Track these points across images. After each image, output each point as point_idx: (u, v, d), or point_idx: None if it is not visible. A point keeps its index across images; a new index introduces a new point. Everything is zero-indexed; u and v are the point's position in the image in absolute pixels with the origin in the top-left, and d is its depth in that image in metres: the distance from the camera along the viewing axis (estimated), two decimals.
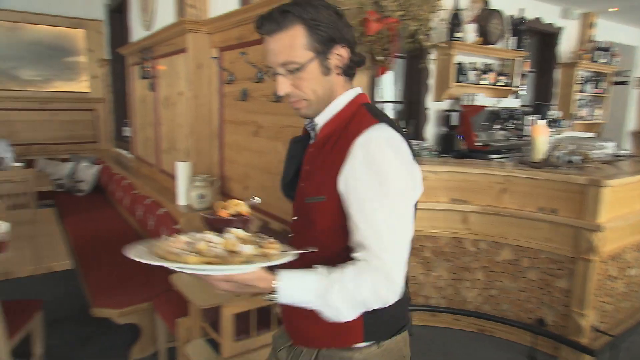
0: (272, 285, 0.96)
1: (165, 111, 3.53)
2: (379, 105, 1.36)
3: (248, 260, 0.91)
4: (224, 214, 1.05)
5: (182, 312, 2.30)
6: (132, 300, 2.59)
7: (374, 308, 0.99)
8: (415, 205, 1.07)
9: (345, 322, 1.00)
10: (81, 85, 5.82)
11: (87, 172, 5.17)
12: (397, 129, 1.03)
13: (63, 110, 5.72)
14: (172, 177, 3.44)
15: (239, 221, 1.06)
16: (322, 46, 1.01)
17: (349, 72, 1.07)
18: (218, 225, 1.02)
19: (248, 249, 0.92)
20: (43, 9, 5.41)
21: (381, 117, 1.03)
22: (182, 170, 2.86)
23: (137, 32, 4.20)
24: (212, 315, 2.09)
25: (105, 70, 5.75)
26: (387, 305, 1.00)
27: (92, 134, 5.98)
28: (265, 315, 2.03)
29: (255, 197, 1.29)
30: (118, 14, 5.29)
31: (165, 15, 3.40)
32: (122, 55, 4.74)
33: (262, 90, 2.44)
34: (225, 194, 2.91)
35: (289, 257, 0.96)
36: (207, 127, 2.94)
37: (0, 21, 5.23)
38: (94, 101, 5.89)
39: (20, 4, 5.28)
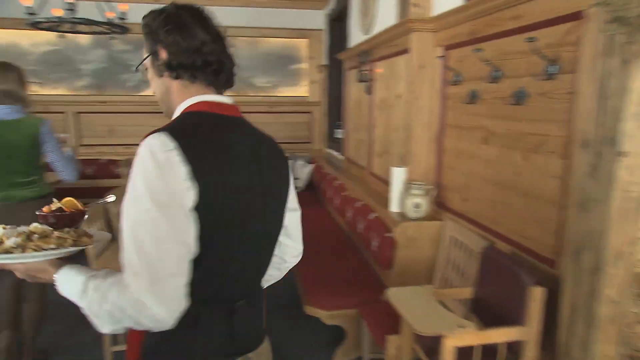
0: (53, 277, 0.99)
1: (380, 114, 3.50)
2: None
3: (7, 251, 0.99)
4: (46, 209, 1.15)
5: (390, 325, 2.18)
6: (340, 304, 2.60)
7: (133, 327, 0.91)
8: (222, 214, 0.95)
9: (130, 340, 1.00)
10: (301, 89, 6.36)
11: (303, 171, 5.60)
12: (193, 144, 0.92)
13: (285, 112, 6.35)
14: (383, 181, 3.38)
15: (53, 217, 1.13)
16: (151, 47, 1.05)
17: (173, 75, 1.03)
18: (43, 220, 1.13)
19: (10, 242, 1.00)
20: (276, 23, 6.08)
21: (173, 126, 0.97)
22: (397, 176, 2.76)
23: (356, 37, 4.30)
24: (428, 340, 1.90)
25: (323, 76, 6.15)
26: (158, 329, 0.90)
27: (308, 134, 6.48)
28: (491, 351, 1.75)
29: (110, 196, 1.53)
30: (337, 22, 5.57)
31: (385, 17, 3.35)
32: (339, 60, 4.95)
33: (496, 92, 2.13)
34: (441, 204, 2.68)
35: (56, 253, 1.02)
36: (426, 132, 2.77)
37: (243, 37, 6.08)
38: (311, 104, 6.38)
39: (258, 20, 6.03)
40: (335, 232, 3.83)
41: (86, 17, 3.69)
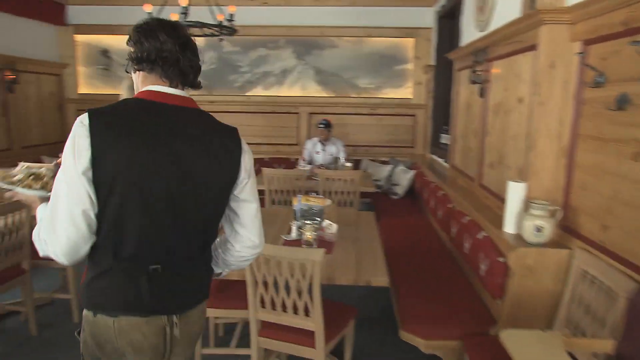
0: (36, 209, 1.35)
1: (495, 119, 3.11)
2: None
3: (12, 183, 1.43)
4: (59, 161, 1.27)
5: None
6: (440, 333, 2.31)
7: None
8: (112, 180, 1.17)
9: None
10: (405, 91, 6.05)
11: (403, 177, 5.31)
12: (96, 115, 1.18)
13: (387, 115, 6.09)
14: (495, 195, 2.99)
15: (57, 166, 1.32)
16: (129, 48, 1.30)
17: (138, 67, 1.28)
18: (56, 168, 1.33)
19: (17, 176, 1.46)
20: (382, 22, 5.85)
21: (102, 107, 1.22)
22: (514, 192, 2.38)
23: (469, 34, 3.91)
24: None
25: (429, 77, 5.79)
26: (43, 253, 1.23)
27: (410, 139, 6.15)
28: None
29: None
30: (448, 19, 5.18)
31: (507, 11, 2.96)
32: (447, 60, 4.58)
33: None
34: (569, 230, 2.25)
35: (37, 193, 1.41)
36: (554, 142, 2.35)
37: (348, 37, 5.95)
38: (415, 107, 6.04)
39: (364, 20, 5.85)
40: (437, 248, 3.50)
41: (199, 20, 3.81)
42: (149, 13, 3.89)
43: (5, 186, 1.41)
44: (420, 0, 5.72)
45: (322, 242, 2.61)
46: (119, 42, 6.06)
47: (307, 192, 4.38)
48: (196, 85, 1.35)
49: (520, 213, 2.34)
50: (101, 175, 1.16)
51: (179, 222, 1.26)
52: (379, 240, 2.73)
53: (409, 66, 5.99)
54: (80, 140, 1.15)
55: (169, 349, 1.31)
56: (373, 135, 6.15)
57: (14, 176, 1.43)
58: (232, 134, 1.36)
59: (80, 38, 6.11)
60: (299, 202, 2.85)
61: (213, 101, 6.09)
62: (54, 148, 5.91)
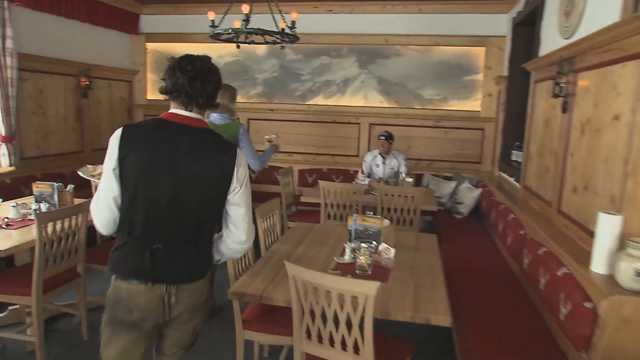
0: None
1: (580, 138, 2.74)
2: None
3: None
4: None
5: None
6: None
7: None
8: (130, 177, 1.60)
9: None
10: (474, 103, 5.67)
11: (468, 195, 4.94)
12: (126, 130, 1.63)
13: (453, 128, 5.74)
14: (578, 225, 2.62)
15: None
16: None
17: (170, 97, 1.70)
18: None
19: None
20: (451, 30, 5.54)
21: (135, 122, 1.78)
22: (606, 225, 2.03)
23: (551, 42, 3.53)
24: None
25: (500, 88, 5.38)
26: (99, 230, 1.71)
27: (477, 154, 5.75)
28: None
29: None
30: (524, 26, 4.78)
31: (601, 14, 2.60)
32: (521, 71, 4.21)
33: None
34: None
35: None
36: None
37: (414, 46, 5.68)
38: (484, 120, 5.64)
39: (432, 28, 5.57)
40: (507, 279, 3.14)
41: (261, 27, 3.74)
42: (212, 20, 3.88)
43: (88, 177, 1.92)
44: (492, 7, 5.35)
45: (377, 267, 2.39)
46: (186, 50, 6.15)
47: (364, 210, 4.18)
48: (213, 106, 1.74)
49: (613, 251, 1.98)
50: (123, 173, 1.60)
51: (176, 214, 1.64)
52: (441, 270, 2.46)
53: (479, 77, 5.62)
54: (112, 147, 1.61)
55: (168, 312, 1.69)
56: (437, 149, 5.82)
57: (96, 170, 1.95)
58: (228, 150, 1.71)
59: (150, 46, 6.33)
60: (355, 222, 2.65)
61: (273, 109, 6.06)
62: None
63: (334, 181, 5.82)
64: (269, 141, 3.80)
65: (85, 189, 4.85)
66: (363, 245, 2.47)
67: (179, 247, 1.67)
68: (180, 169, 1.62)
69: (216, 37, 4.02)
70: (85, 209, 2.81)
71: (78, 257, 2.92)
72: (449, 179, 5.60)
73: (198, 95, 1.66)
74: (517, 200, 3.93)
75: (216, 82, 1.73)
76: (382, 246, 2.52)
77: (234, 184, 1.70)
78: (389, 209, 3.98)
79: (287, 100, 6.10)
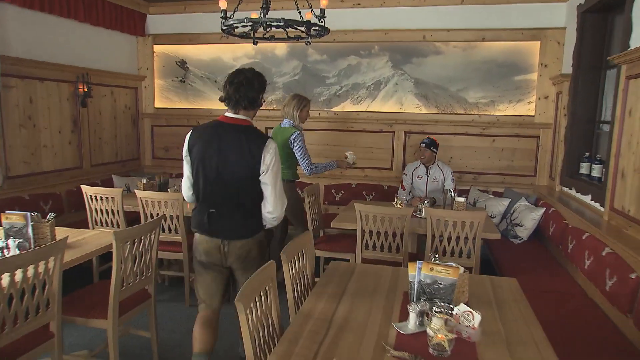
0: None
1: None
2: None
3: None
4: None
5: None
6: None
7: None
8: (194, 161, 2.30)
9: None
10: (527, 107, 4.89)
11: (528, 216, 4.15)
12: (194, 129, 2.35)
13: (502, 136, 4.97)
14: None
15: None
16: None
17: (225, 103, 2.31)
18: None
19: None
20: (500, 23, 4.79)
21: (197, 125, 2.47)
22: None
23: None
24: None
25: (560, 89, 4.60)
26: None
27: (530, 166, 4.96)
28: None
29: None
30: (596, 14, 4.01)
31: None
32: (591, 68, 3.43)
33: None
34: None
35: None
36: None
37: (456, 42, 4.94)
38: (539, 126, 4.86)
39: (477, 21, 4.83)
40: (597, 323, 2.35)
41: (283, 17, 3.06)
42: (224, 11, 3.21)
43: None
44: None
45: (456, 341, 1.64)
46: (197, 52, 5.56)
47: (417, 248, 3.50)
48: (255, 106, 2.33)
49: None
50: (191, 159, 2.32)
51: (222, 188, 2.29)
52: (545, 341, 1.71)
53: (532, 76, 4.84)
54: (185, 142, 2.34)
55: (225, 259, 2.34)
56: (483, 160, 5.04)
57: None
58: (257, 142, 2.24)
59: (158, 49, 5.72)
60: (418, 272, 1.92)
61: None
62: (126, 166, 5.52)
63: (365, 198, 5.10)
64: (344, 157, 4.13)
65: (80, 211, 4.22)
66: (436, 308, 1.74)
67: (226, 212, 2.30)
68: (222, 155, 2.24)
69: (228, 32, 3.34)
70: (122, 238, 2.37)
71: (51, 313, 2.24)
72: (498, 195, 4.82)
73: (241, 100, 2.24)
74: (602, 226, 3.14)
75: (257, 88, 2.27)
76: (461, 308, 1.78)
77: (262, 167, 2.24)
78: (440, 238, 3.23)
79: (310, 107, 5.40)
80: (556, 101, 4.70)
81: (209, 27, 5.29)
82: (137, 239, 2.57)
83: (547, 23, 4.72)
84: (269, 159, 2.22)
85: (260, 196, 2.31)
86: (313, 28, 3.14)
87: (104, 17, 4.98)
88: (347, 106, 5.29)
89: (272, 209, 2.32)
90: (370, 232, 3.34)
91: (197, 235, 2.37)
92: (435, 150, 4.37)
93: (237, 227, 2.30)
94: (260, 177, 2.25)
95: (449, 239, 3.22)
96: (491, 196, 4.74)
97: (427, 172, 4.43)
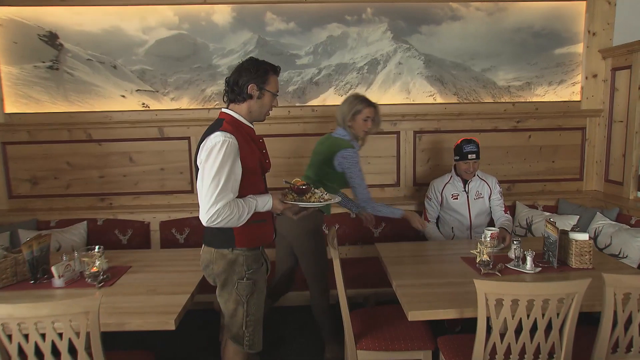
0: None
1: None
2: None
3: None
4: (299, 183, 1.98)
5: None
6: None
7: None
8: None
9: None
10: (570, 90, 3.70)
11: (629, 241, 2.89)
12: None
13: (541, 130, 3.72)
14: None
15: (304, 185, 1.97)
16: None
17: None
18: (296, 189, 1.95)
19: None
20: None
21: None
22: None
23: None
24: None
25: (616, 63, 3.47)
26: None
27: (574, 166, 3.79)
28: None
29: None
30: None
31: None
32: None
33: None
34: None
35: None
36: None
37: (479, 2, 3.54)
38: (586, 114, 3.70)
39: None
40: None
41: None
42: None
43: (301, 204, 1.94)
44: None
45: None
46: (77, 21, 3.37)
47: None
48: (240, 94, 1.86)
49: None
50: None
51: None
52: None
53: (577, 48, 3.65)
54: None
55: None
56: (518, 163, 3.75)
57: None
58: (205, 134, 1.82)
59: (3, 13, 3.38)
60: None
61: None
62: None
63: (372, 233, 3.46)
64: (494, 237, 2.48)
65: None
66: None
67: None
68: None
69: None
70: None
71: None
72: (550, 209, 3.55)
73: (226, 88, 1.91)
74: None
75: (240, 70, 1.86)
76: None
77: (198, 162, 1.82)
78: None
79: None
80: (611, 80, 3.56)
81: None
82: None
83: None
84: (203, 154, 1.75)
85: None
86: None
87: None
88: (329, 98, 3.58)
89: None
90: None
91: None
92: (478, 158, 2.98)
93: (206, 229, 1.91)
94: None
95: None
96: (547, 213, 3.45)
97: (465, 188, 3.00)
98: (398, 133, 3.63)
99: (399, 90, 3.61)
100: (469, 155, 2.92)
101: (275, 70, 1.91)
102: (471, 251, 2.30)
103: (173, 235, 3.43)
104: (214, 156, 1.70)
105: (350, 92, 3.50)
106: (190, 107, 3.51)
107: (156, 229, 3.45)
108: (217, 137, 1.72)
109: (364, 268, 3.20)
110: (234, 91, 1.84)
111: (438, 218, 3.15)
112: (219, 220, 1.70)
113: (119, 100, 3.46)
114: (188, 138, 3.53)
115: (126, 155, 3.54)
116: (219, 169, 1.69)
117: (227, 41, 3.48)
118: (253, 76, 1.83)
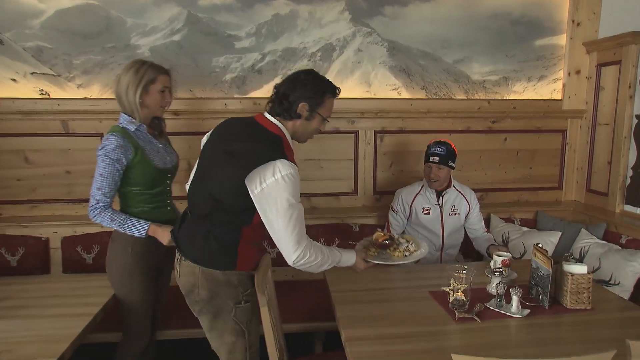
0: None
1: None
2: None
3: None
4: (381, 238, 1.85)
5: None
6: None
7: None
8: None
9: None
10: (551, 88, 3.27)
11: (621, 265, 2.46)
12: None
13: (518, 132, 3.27)
14: None
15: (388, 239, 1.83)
16: None
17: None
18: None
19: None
20: None
21: None
22: None
23: None
24: None
25: (601, 57, 3.06)
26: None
27: (553, 174, 3.37)
28: None
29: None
30: None
31: None
32: None
33: None
34: None
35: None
36: None
37: None
38: (568, 115, 3.27)
39: None
40: None
41: None
42: None
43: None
44: None
45: None
46: None
47: None
48: (288, 111, 1.61)
49: None
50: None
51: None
52: None
53: (560, 39, 3.21)
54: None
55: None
56: (492, 169, 3.29)
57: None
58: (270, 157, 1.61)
59: None
60: None
61: (177, 112, 2.88)
62: None
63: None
64: (506, 264, 2.00)
65: None
66: None
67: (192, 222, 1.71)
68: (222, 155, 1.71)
69: None
70: None
71: None
72: (529, 224, 3.11)
73: (274, 97, 1.68)
74: None
75: (289, 85, 1.63)
76: None
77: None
78: None
79: (205, 93, 2.97)
80: (596, 77, 3.14)
81: None
82: None
83: None
84: (270, 181, 1.51)
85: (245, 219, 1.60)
86: None
87: None
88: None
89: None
90: None
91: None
92: (454, 165, 2.49)
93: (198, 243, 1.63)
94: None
95: None
96: (525, 228, 2.99)
97: (439, 201, 2.51)
98: (356, 132, 3.09)
99: (357, 82, 3.06)
100: (432, 158, 2.43)
101: (334, 92, 1.67)
102: (442, 288, 1.79)
103: (79, 255, 2.77)
104: (290, 190, 1.51)
105: None
106: (103, 97, 2.85)
107: (57, 246, 2.78)
108: (288, 168, 1.50)
109: (313, 294, 2.65)
110: (282, 105, 1.60)
111: (403, 233, 2.65)
112: (303, 261, 1.53)
113: (9, 84, 2.76)
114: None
115: (20, 154, 2.84)
116: (294, 204, 1.52)
117: (150, 16, 2.84)
118: (308, 94, 1.60)
